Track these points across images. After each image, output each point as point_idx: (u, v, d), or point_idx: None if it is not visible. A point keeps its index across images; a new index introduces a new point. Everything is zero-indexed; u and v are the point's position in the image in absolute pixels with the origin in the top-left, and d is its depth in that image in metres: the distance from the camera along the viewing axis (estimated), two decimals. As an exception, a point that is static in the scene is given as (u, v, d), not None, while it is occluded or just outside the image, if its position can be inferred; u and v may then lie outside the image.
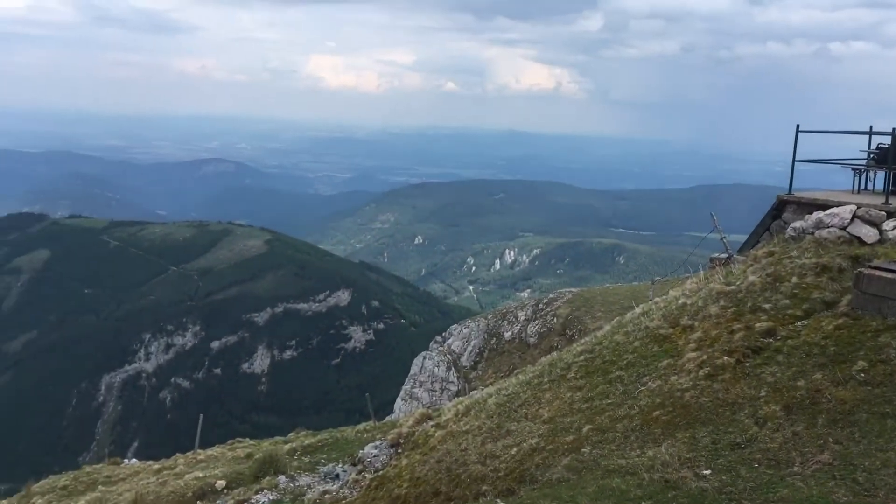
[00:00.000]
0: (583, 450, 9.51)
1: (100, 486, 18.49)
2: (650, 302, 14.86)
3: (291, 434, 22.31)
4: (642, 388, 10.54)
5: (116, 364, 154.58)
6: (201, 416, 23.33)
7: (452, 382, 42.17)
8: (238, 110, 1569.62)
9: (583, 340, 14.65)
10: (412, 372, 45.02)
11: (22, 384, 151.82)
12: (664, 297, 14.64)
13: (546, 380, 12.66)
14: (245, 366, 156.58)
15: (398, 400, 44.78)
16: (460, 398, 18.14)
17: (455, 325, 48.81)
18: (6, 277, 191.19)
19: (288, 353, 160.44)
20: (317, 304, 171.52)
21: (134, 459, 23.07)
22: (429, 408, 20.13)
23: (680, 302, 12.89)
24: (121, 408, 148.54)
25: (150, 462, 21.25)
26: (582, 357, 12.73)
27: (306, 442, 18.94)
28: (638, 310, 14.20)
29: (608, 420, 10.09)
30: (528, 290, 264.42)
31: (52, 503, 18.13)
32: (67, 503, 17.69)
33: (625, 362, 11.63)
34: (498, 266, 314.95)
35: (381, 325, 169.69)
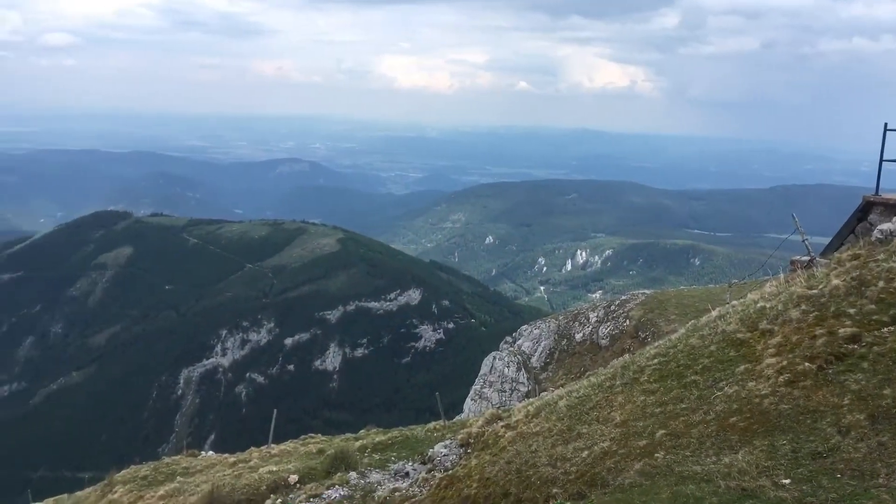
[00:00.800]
0: (656, 455, 9.32)
1: (178, 477, 19.03)
2: (727, 305, 14.46)
3: (362, 431, 22.53)
4: (718, 393, 10.27)
5: (195, 358, 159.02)
6: (275, 411, 23.76)
7: (522, 383, 41.95)
8: (313, 111, 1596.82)
9: (656, 343, 14.36)
10: (482, 372, 44.95)
11: (106, 377, 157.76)
12: (742, 300, 14.23)
13: (618, 383, 12.47)
14: (317, 363, 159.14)
15: (467, 400, 44.76)
16: (530, 399, 18.02)
17: (525, 326, 48.55)
18: (92, 273, 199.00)
19: (359, 351, 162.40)
20: (388, 303, 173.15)
21: (211, 452, 23.67)
22: (498, 408, 20.07)
23: (759, 305, 12.51)
24: (198, 401, 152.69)
25: (226, 455, 21.75)
26: (655, 360, 12.48)
27: (377, 439, 19.09)
28: (714, 313, 13.85)
29: (682, 425, 9.87)
30: (600, 292, 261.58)
31: (133, 492, 18.72)
32: (148, 492, 18.24)
33: (700, 366, 11.36)
34: (569, 267, 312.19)
35: (451, 325, 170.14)
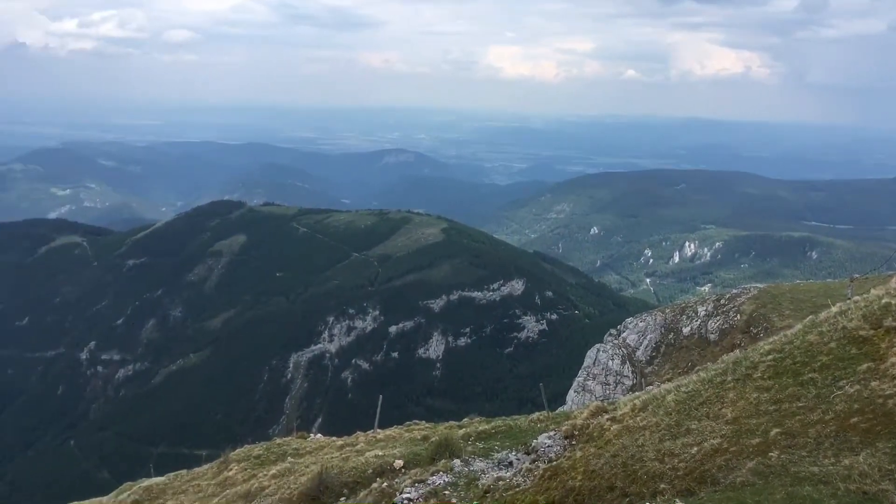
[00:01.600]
0: (770, 454, 9.02)
1: (289, 458, 19.69)
2: (848, 301, 13.79)
3: (465, 419, 22.70)
4: (838, 392, 9.83)
5: (303, 344, 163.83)
6: (381, 397, 24.23)
7: (627, 376, 41.26)
8: (419, 102, 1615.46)
9: (770, 339, 13.84)
10: (585, 364, 44.46)
11: (220, 359, 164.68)
12: (864, 295, 13.54)
13: (730, 378, 12.11)
14: (421, 351, 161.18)
15: (570, 391, 44.38)
16: (636, 393, 17.72)
17: (631, 319, 47.65)
18: (208, 260, 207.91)
19: (462, 340, 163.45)
20: (491, 293, 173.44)
21: (319, 434, 24.35)
22: (602, 401, 19.83)
23: (883, 302, 11.89)
24: (307, 385, 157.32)
25: (334, 438, 22.34)
26: (770, 357, 12.05)
27: (480, 428, 19.20)
28: (834, 309, 13.24)
29: (799, 424, 9.50)
30: (709, 285, 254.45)
31: (246, 470, 19.49)
32: (260, 471, 18.95)
33: (818, 364, 10.90)
34: (677, 259, 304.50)
35: (555, 316, 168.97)
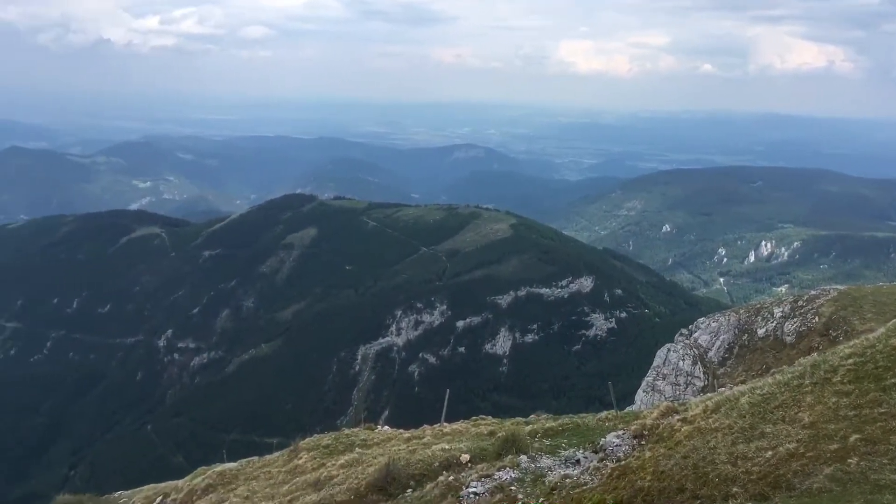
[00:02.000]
0: (849, 460, 8.75)
1: (357, 448, 19.96)
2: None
3: (532, 416, 22.62)
4: (923, 399, 9.46)
5: (371, 336, 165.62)
6: (448, 391, 24.35)
7: (698, 377, 40.45)
8: (490, 97, 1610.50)
9: (851, 343, 13.39)
10: (655, 364, 43.76)
11: (291, 350, 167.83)
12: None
13: (807, 382, 11.77)
14: (488, 346, 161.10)
15: (639, 391, 43.76)
16: (708, 394, 17.39)
17: (703, 319, 46.68)
18: (280, 252, 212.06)
19: (529, 337, 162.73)
20: (559, 290, 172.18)
21: (386, 427, 24.60)
22: (673, 402, 19.50)
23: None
24: (374, 377, 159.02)
25: (401, 430, 22.54)
26: (850, 360, 11.67)
27: (547, 425, 19.10)
28: (920, 312, 12.73)
29: (880, 431, 9.18)
30: (786, 286, 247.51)
31: (316, 459, 19.83)
32: (329, 460, 19.27)
33: (902, 369, 10.50)
34: (752, 258, 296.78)
35: (624, 314, 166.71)
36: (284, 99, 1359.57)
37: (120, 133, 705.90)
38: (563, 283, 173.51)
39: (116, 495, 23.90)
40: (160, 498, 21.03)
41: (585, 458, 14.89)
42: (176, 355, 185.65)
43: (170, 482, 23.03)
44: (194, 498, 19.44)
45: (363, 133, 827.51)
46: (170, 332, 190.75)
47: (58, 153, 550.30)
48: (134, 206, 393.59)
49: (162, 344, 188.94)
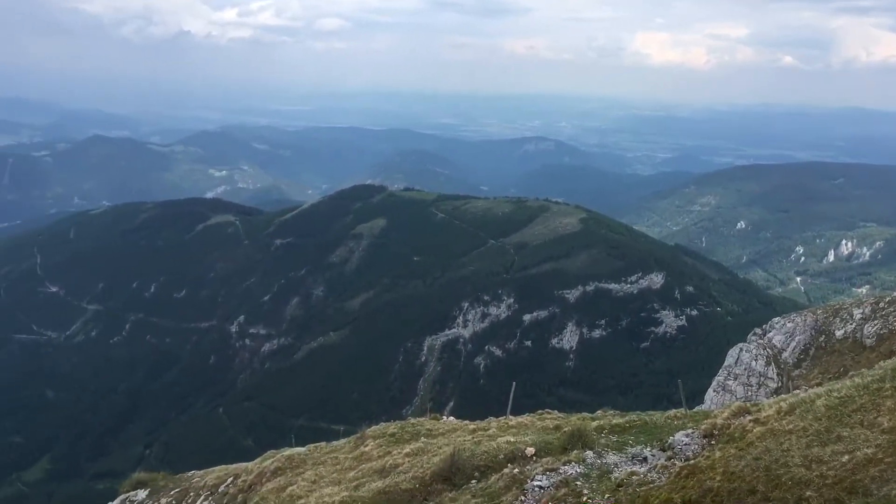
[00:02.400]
0: (931, 469, 8.41)
1: (422, 438, 20.11)
2: None
3: (598, 412, 22.41)
4: None
5: (438, 328, 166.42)
6: (514, 384, 24.32)
7: (771, 378, 39.40)
8: (562, 89, 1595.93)
9: (937, 346, 12.87)
10: (726, 363, 42.78)
11: (358, 339, 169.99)
12: None
13: (888, 385, 11.36)
14: (554, 341, 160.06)
15: (709, 390, 42.86)
16: (782, 396, 16.94)
17: (777, 318, 45.42)
18: (350, 242, 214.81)
19: (597, 332, 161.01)
20: (628, 286, 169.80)
21: (451, 417, 24.71)
22: (745, 402, 19.06)
23: None
24: (440, 368, 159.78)
25: (466, 421, 22.60)
26: (935, 365, 11.21)
27: (614, 421, 18.90)
28: None
29: (966, 439, 8.80)
30: (867, 286, 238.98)
31: (382, 447, 20.07)
32: (395, 449, 19.48)
33: None
34: (831, 258, 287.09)
35: (695, 312, 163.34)
36: (357, 90, 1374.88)
37: (198, 123, 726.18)
38: (633, 278, 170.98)
39: (189, 475, 24.66)
40: (231, 479, 21.61)
41: (653, 455, 14.70)
42: (247, 341, 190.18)
43: (240, 464, 23.64)
44: (263, 480, 19.91)
45: (434, 125, 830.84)
46: (242, 318, 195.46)
47: (139, 142, 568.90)
48: (210, 195, 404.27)
49: (234, 329, 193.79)
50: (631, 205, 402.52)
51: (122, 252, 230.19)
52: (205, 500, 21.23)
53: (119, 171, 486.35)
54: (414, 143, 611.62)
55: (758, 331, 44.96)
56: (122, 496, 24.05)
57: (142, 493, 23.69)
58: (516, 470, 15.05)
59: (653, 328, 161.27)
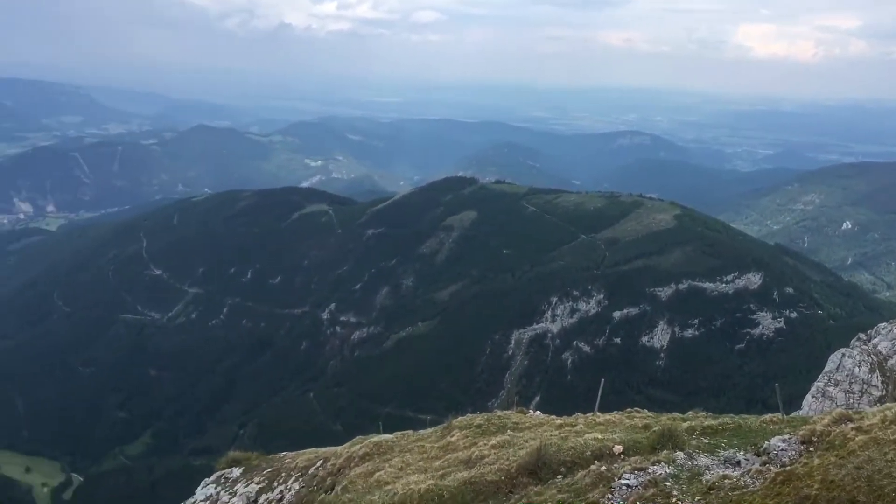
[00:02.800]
0: None
1: (508, 431, 20.09)
2: None
3: (690, 413, 21.91)
4: None
5: (525, 322, 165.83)
6: (602, 380, 24.03)
7: (875, 386, 37.65)
8: (658, 83, 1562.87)
9: None
10: (827, 368, 41.11)
11: (446, 330, 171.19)
12: None
13: None
14: (644, 339, 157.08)
15: (808, 396, 41.28)
16: (887, 405, 16.18)
17: (884, 324, 43.33)
18: (440, 234, 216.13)
19: (689, 332, 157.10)
20: (723, 285, 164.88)
21: (538, 412, 24.59)
22: (846, 409, 18.29)
23: None
24: (527, 363, 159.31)
25: (553, 416, 22.45)
26: None
27: (706, 423, 18.44)
28: None
29: None
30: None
31: (468, 437, 20.15)
32: (481, 440, 19.53)
33: None
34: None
35: (794, 314, 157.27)
36: (451, 82, 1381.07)
37: (295, 114, 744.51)
38: (729, 277, 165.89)
39: (281, 455, 25.37)
40: (321, 462, 22.12)
41: (746, 460, 14.29)
42: (338, 328, 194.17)
43: (329, 448, 24.16)
44: (352, 464, 20.30)
45: (526, 118, 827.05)
46: (333, 305, 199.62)
47: (239, 132, 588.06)
48: (305, 184, 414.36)
49: (326, 316, 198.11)
50: (729, 202, 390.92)
51: (221, 238, 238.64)
52: (295, 480, 21.81)
53: (221, 159, 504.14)
54: (506, 135, 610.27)
55: (862, 336, 43.02)
56: (218, 473, 24.94)
57: (236, 471, 24.52)
58: (603, 467, 14.88)
59: (748, 329, 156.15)
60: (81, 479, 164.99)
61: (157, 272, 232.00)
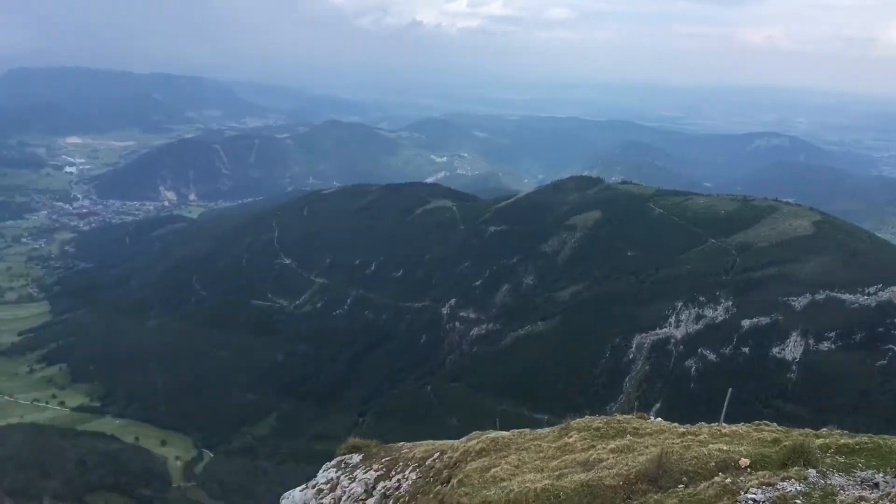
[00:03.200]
0: None
1: (628, 436, 19.66)
2: None
3: (824, 430, 20.76)
4: None
5: (648, 326, 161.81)
6: (730, 390, 23.14)
7: None
8: (800, 82, 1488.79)
9: None
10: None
11: (566, 330, 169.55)
12: None
13: None
14: (775, 350, 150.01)
15: (958, 420, 38.41)
16: None
17: None
18: (563, 233, 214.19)
19: (825, 345, 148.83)
20: (865, 297, 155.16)
21: (659, 418, 23.98)
22: None
23: None
24: (648, 368, 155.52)
25: (675, 424, 21.82)
26: None
27: (841, 441, 17.40)
28: None
29: None
30: None
31: (586, 440, 19.86)
32: (599, 443, 19.21)
33: None
34: None
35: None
36: (580, 80, 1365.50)
37: (423, 110, 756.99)
38: (872, 290, 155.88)
39: (399, 445, 25.81)
40: (438, 454, 22.36)
41: (886, 482, 13.39)
42: (457, 323, 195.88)
43: (446, 441, 24.37)
44: (468, 459, 20.40)
45: (657, 117, 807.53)
46: (453, 300, 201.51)
47: (369, 127, 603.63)
48: (430, 180, 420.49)
49: (445, 311, 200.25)
50: (874, 210, 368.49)
51: (347, 230, 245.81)
52: (412, 471, 22.14)
53: (350, 154, 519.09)
54: (635, 135, 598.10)
55: None
56: (339, 458, 25.63)
57: (356, 458, 25.14)
58: (728, 480, 14.31)
59: (892, 345, 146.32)
60: (212, 455, 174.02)
61: (287, 261, 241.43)
